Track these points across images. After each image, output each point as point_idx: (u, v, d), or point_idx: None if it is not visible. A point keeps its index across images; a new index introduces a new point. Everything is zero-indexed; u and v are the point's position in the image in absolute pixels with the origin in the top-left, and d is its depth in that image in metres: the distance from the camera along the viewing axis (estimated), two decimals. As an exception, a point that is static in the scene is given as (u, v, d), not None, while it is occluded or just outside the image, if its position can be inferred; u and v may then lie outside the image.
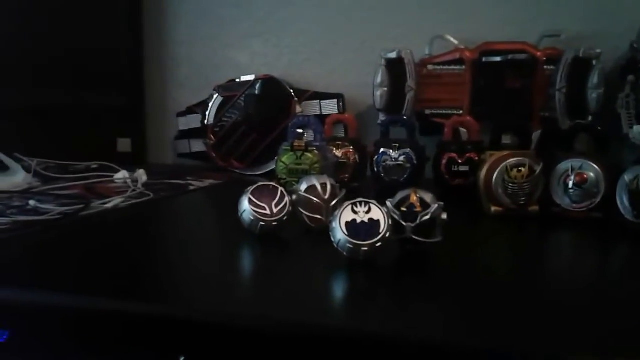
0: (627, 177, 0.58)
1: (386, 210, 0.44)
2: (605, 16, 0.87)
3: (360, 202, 0.44)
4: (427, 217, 0.44)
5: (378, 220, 0.43)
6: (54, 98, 0.99)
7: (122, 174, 0.80)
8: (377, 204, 0.44)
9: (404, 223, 0.44)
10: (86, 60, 1.02)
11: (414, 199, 0.45)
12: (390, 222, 0.43)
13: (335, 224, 0.43)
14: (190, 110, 1.04)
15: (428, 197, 0.46)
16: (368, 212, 0.44)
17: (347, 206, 0.44)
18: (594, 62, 0.78)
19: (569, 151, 0.65)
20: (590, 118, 0.79)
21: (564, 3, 0.89)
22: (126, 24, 1.08)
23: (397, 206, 0.45)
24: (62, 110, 1.00)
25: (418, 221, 0.44)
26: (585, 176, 0.61)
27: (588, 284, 0.44)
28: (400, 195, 0.46)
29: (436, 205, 0.45)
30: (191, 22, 1.09)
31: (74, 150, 0.89)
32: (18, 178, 0.75)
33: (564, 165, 0.62)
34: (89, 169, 0.85)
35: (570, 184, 0.61)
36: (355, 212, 0.44)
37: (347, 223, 0.43)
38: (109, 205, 0.63)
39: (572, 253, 0.57)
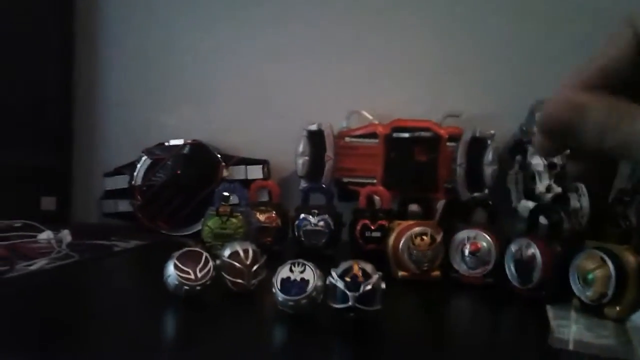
0: (513, 248, 0.65)
1: (319, 273, 0.49)
2: (500, 100, 0.99)
3: (298, 263, 0.50)
4: (369, 286, 0.47)
5: (308, 280, 0.49)
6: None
7: (46, 234, 0.80)
8: (312, 266, 0.50)
9: (348, 292, 0.47)
10: (12, 117, 1.02)
11: (356, 269, 0.48)
12: (319, 283, 0.49)
13: (274, 279, 0.50)
14: (117, 171, 1.05)
15: (368, 267, 0.49)
16: (302, 272, 0.50)
17: (286, 265, 0.50)
18: (489, 142, 0.89)
19: (467, 221, 0.73)
20: (486, 191, 0.89)
21: (464, 86, 1.01)
22: (57, 83, 1.09)
23: (342, 276, 0.48)
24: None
25: (361, 290, 0.47)
26: (479, 245, 0.68)
27: (483, 341, 0.52)
28: (343, 265, 0.49)
29: (377, 275, 0.48)
30: (121, 88, 1.13)
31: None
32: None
33: (461, 235, 0.70)
34: (12, 227, 0.85)
35: (466, 252, 0.69)
36: (291, 271, 0.50)
37: (282, 279, 0.50)
38: (33, 267, 0.64)
39: (470, 314, 0.64)
